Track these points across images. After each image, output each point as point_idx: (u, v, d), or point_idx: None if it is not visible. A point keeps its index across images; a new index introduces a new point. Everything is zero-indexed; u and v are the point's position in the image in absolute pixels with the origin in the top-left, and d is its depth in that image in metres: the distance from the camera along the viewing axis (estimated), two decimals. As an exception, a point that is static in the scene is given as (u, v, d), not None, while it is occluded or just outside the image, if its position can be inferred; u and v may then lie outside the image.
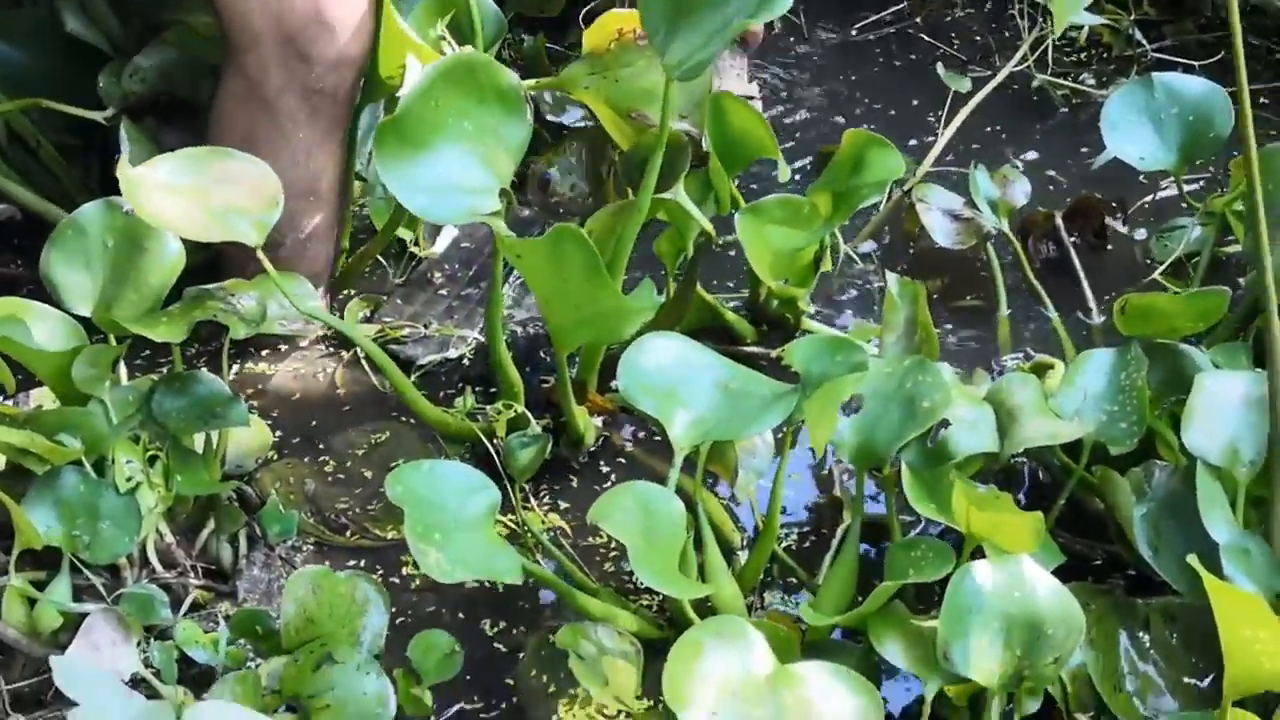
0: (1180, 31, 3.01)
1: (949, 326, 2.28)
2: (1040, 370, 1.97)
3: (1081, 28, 2.94)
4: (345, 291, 2.30)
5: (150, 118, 2.25)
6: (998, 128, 2.77)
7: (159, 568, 1.78)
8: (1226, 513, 1.66)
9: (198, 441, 1.86)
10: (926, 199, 2.42)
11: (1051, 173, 2.66)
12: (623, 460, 2.05)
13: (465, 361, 2.20)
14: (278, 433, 2.06)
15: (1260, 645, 1.43)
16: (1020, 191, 2.41)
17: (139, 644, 1.66)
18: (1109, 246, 2.45)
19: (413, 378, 2.13)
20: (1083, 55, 3.00)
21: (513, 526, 1.91)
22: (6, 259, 2.34)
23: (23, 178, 2.31)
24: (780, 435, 1.92)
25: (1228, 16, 1.62)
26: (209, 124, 2.11)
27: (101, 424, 1.74)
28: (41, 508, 1.69)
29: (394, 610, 1.73)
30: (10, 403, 1.91)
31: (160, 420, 1.79)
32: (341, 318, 2.23)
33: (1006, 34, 3.07)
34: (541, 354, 2.18)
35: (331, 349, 2.21)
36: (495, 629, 1.81)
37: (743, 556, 1.87)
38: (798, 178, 2.59)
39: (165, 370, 2.07)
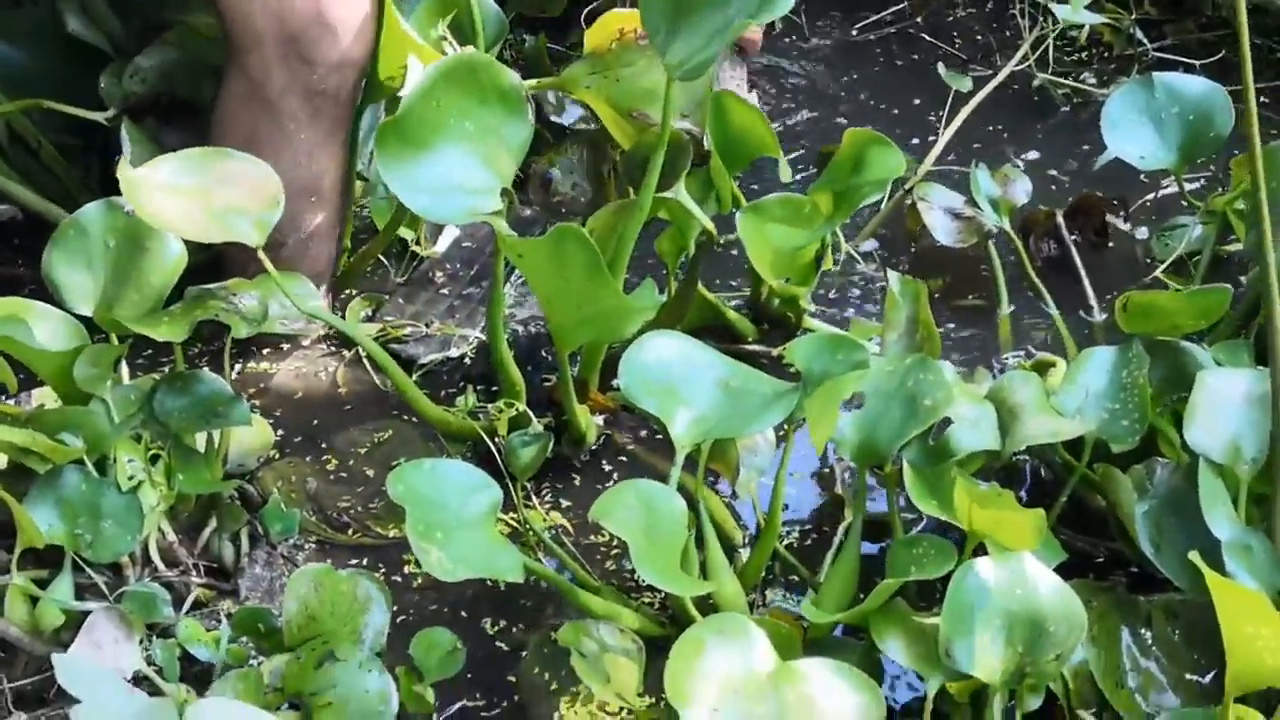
0: (1181, 31, 3.01)
1: (951, 325, 2.28)
2: (1042, 368, 1.97)
3: (1082, 27, 2.94)
4: (347, 291, 2.30)
5: (151, 118, 2.25)
6: (999, 127, 2.77)
7: (161, 566, 1.78)
8: (1228, 510, 1.66)
9: (200, 440, 1.86)
10: (928, 198, 2.42)
11: (1052, 171, 2.66)
12: (624, 459, 2.05)
13: (467, 360, 2.20)
14: (279, 431, 2.06)
15: (1262, 642, 1.43)
16: (1021, 190, 2.41)
17: (141, 642, 1.66)
18: (1110, 245, 2.45)
19: (414, 377, 2.13)
20: (1083, 54, 3.01)
21: (514, 525, 1.91)
22: (8, 259, 2.34)
23: (24, 178, 2.31)
24: (782, 433, 1.92)
25: (1233, 16, 1.63)
26: (211, 125, 2.11)
27: (103, 423, 1.74)
28: (43, 506, 1.69)
29: (396, 609, 1.73)
30: (12, 402, 1.91)
31: (162, 419, 1.79)
32: (343, 317, 2.24)
33: (1007, 33, 3.07)
34: (543, 353, 2.19)
35: (333, 348, 2.21)
36: (497, 627, 1.81)
37: (744, 554, 1.87)
38: (799, 178, 2.59)
39: (167, 369, 2.07)
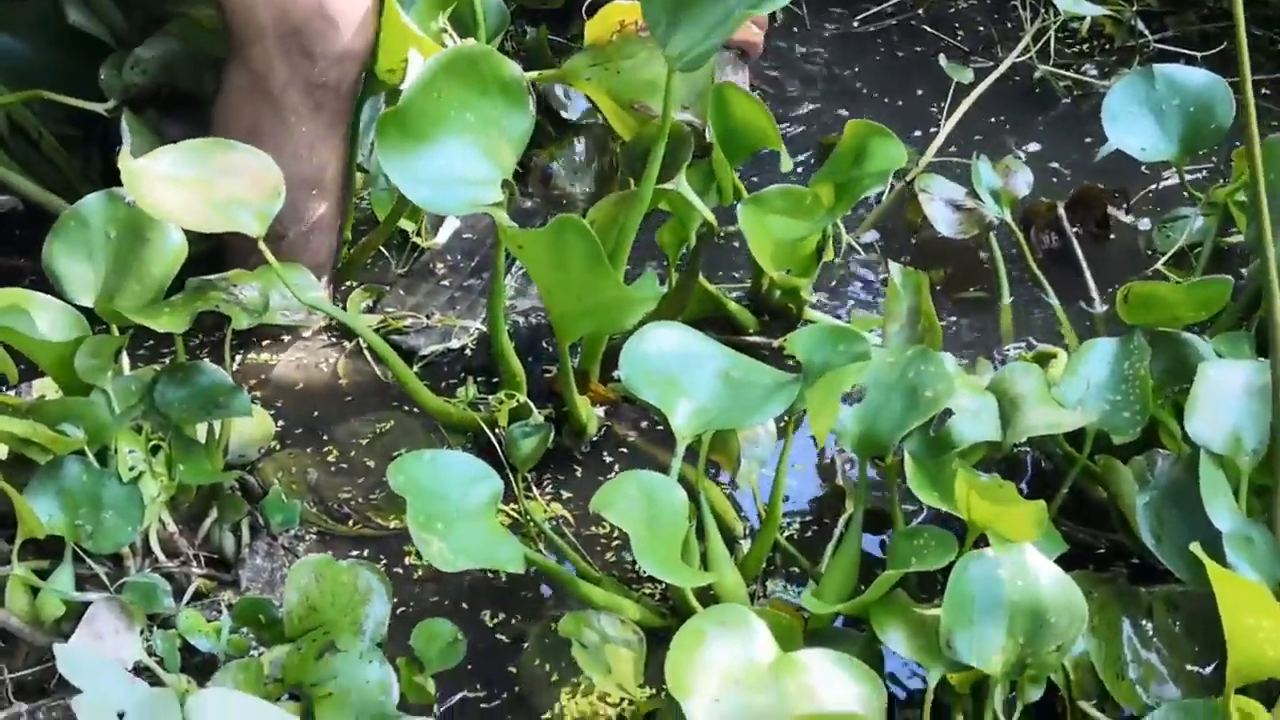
0: (1182, 23, 3.01)
1: (952, 317, 2.27)
2: (1043, 360, 1.97)
3: (1083, 19, 2.94)
4: (348, 282, 2.30)
5: (152, 109, 2.24)
6: (1000, 118, 2.77)
7: (162, 557, 1.78)
8: (1229, 501, 1.66)
9: (200, 431, 1.86)
10: (929, 189, 2.42)
11: (1054, 163, 2.66)
12: (625, 450, 2.05)
13: (467, 352, 2.20)
14: (280, 422, 2.06)
15: (1263, 633, 1.43)
16: (1022, 181, 2.41)
17: (142, 633, 1.66)
18: (1111, 236, 2.45)
19: (415, 368, 2.13)
20: (1085, 46, 3.00)
21: (515, 516, 1.91)
22: (9, 250, 2.34)
23: (25, 169, 2.31)
24: (782, 424, 1.92)
25: (1231, 7, 1.62)
26: (213, 117, 2.11)
27: (104, 414, 1.74)
28: (44, 497, 1.69)
29: (396, 600, 1.73)
30: (13, 393, 1.91)
31: (163, 410, 1.79)
32: (344, 308, 2.24)
33: (1009, 25, 3.07)
34: (544, 344, 2.19)
35: (334, 339, 2.21)
36: (497, 618, 1.81)
37: (745, 545, 1.87)
38: (800, 170, 2.59)
39: (168, 360, 2.07)
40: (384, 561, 1.87)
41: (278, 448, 2.03)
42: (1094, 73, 2.90)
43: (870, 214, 2.48)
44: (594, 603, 1.68)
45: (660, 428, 2.04)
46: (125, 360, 1.91)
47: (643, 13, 1.86)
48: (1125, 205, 2.49)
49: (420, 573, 1.87)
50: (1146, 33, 2.93)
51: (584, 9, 2.44)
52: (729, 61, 2.49)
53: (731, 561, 1.74)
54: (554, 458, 2.00)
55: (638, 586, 1.82)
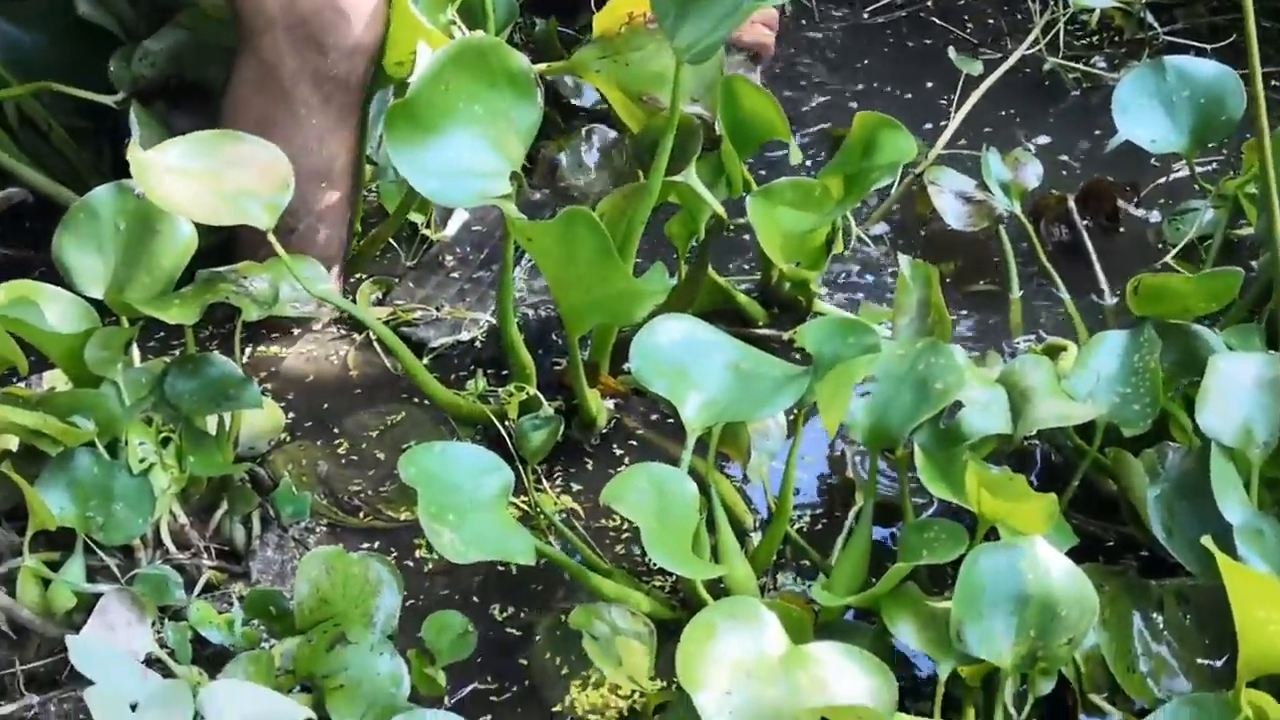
0: (1192, 15, 3.00)
1: (963, 311, 2.27)
2: (1053, 352, 1.97)
3: (1093, 11, 2.94)
4: (357, 275, 2.30)
5: (160, 101, 2.25)
6: (1010, 111, 2.77)
7: (172, 549, 1.78)
8: (1240, 494, 1.66)
9: (210, 423, 1.86)
10: (938, 181, 2.42)
11: (1064, 156, 2.65)
12: (635, 442, 2.05)
13: (477, 344, 2.20)
14: (290, 415, 2.06)
15: (1274, 626, 1.44)
16: (1032, 174, 2.41)
17: (153, 624, 1.66)
18: (1121, 229, 2.44)
19: (425, 360, 2.13)
20: (1094, 38, 3.00)
21: (525, 508, 1.91)
22: (18, 242, 2.34)
23: (34, 161, 2.31)
24: (792, 417, 1.92)
25: (1241, -1, 1.62)
26: (222, 110, 2.11)
27: (114, 406, 1.74)
28: (55, 489, 1.69)
29: (407, 592, 1.73)
30: (23, 385, 1.91)
31: (173, 402, 1.79)
32: (353, 301, 2.24)
33: (1018, 17, 3.06)
34: (553, 336, 2.18)
35: (344, 332, 2.21)
36: (508, 611, 1.81)
37: (755, 538, 1.87)
38: (809, 163, 2.59)
39: (178, 352, 2.07)
40: (394, 554, 1.87)
41: (288, 440, 2.03)
42: (1103, 65, 2.90)
43: (879, 206, 2.47)
44: (604, 595, 1.68)
45: (670, 420, 2.04)
46: (135, 352, 1.91)
47: (651, 4, 1.85)
48: (1135, 198, 2.49)
49: (431, 565, 1.87)
50: (1156, 25, 2.93)
51: (592, 1, 2.44)
52: (740, 65, 2.49)
53: (742, 554, 1.74)
54: (564, 450, 2.00)
55: (648, 579, 1.83)
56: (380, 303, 2.26)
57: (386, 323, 2.14)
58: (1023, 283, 2.32)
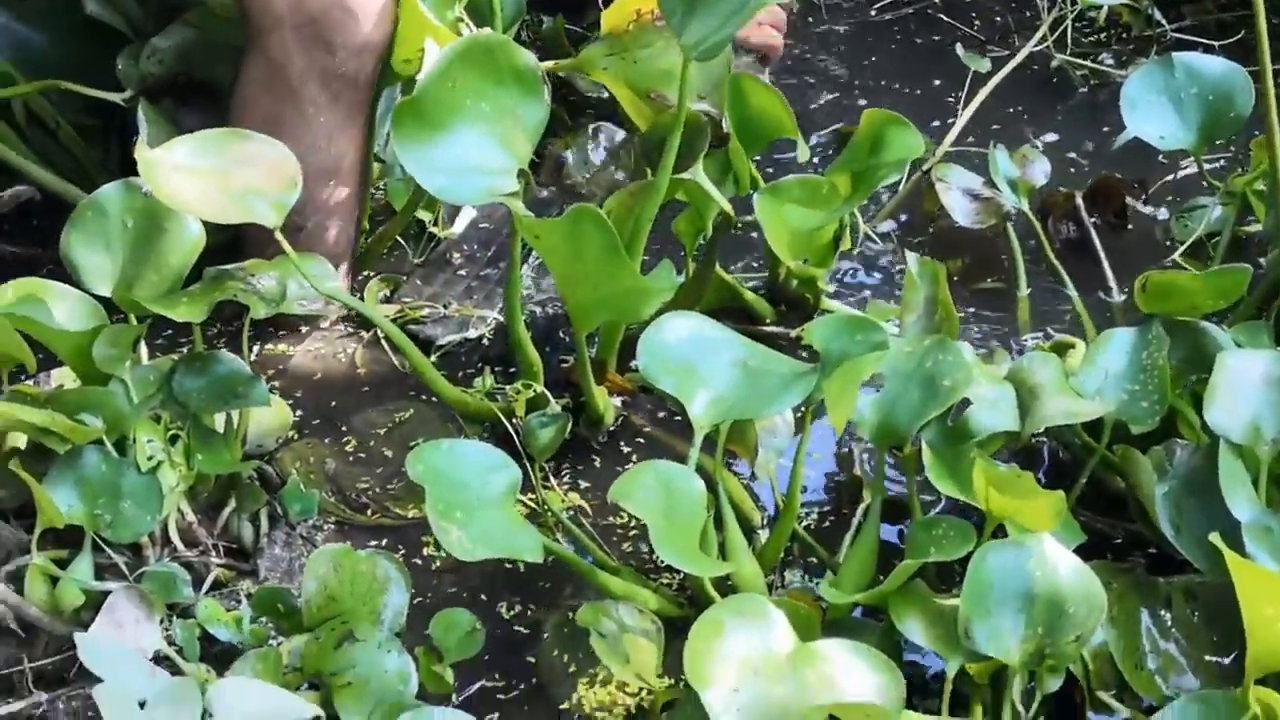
0: (1199, 11, 3.00)
1: (970, 309, 2.27)
2: (1061, 349, 1.96)
3: (1101, 8, 2.93)
4: (364, 272, 2.31)
5: (168, 99, 2.25)
6: (1017, 108, 2.76)
7: (180, 546, 1.78)
8: (1249, 491, 1.65)
9: (219, 421, 1.86)
10: (946, 178, 2.42)
11: (1072, 154, 2.65)
12: (642, 440, 2.05)
13: (484, 341, 2.20)
14: (298, 412, 2.06)
15: (1283, 623, 1.44)
16: (1040, 171, 2.41)
17: (161, 622, 1.66)
18: (1129, 226, 2.44)
19: (432, 358, 2.13)
20: (1102, 35, 2.99)
21: (532, 506, 1.91)
22: (26, 239, 2.35)
23: (42, 159, 2.31)
24: (800, 414, 1.92)
25: (1251, -5, 1.62)
26: (230, 108, 2.11)
27: (123, 403, 1.74)
28: (63, 487, 1.69)
29: (414, 590, 1.73)
30: (31, 382, 1.91)
31: (181, 400, 1.79)
32: (361, 298, 2.24)
33: (1026, 14, 3.06)
34: (560, 334, 2.18)
35: (352, 329, 2.21)
36: (515, 609, 1.81)
37: (763, 535, 1.87)
38: (816, 160, 2.59)
39: (186, 350, 2.08)
40: (402, 551, 1.87)
41: (296, 437, 2.03)
42: (1111, 62, 2.89)
43: (887, 204, 2.47)
44: (612, 592, 1.68)
45: (678, 418, 2.04)
46: (143, 350, 1.92)
47: (658, 2, 1.85)
48: (1143, 195, 2.48)
49: (438, 563, 1.87)
50: (1164, 22, 2.93)
51: (600, -2, 2.44)
52: (749, 66, 2.49)
53: (749, 551, 1.74)
54: (571, 448, 2.00)
55: (655, 576, 1.82)
56: (388, 300, 2.26)
57: (394, 320, 2.15)
58: (1030, 280, 2.31)
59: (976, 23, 3.06)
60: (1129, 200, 2.45)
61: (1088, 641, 1.53)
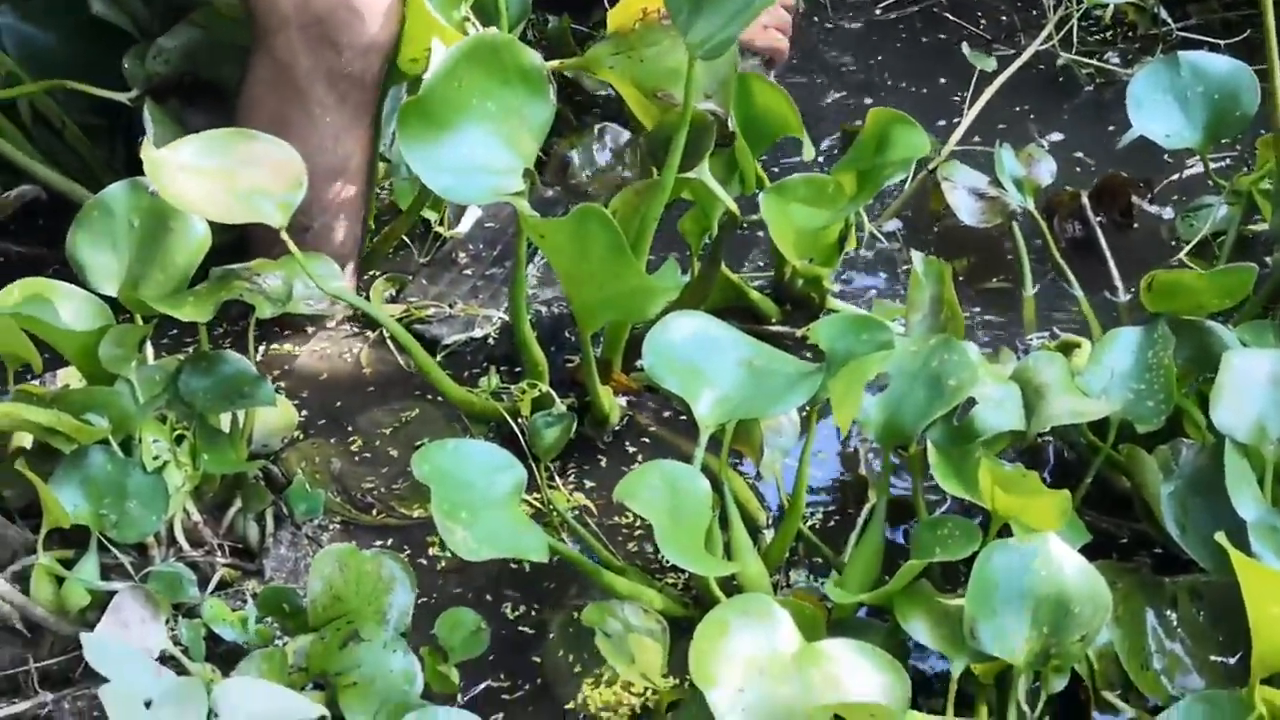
0: (1205, 10, 3.00)
1: (976, 309, 2.27)
2: (1067, 349, 1.96)
3: (1106, 6, 2.93)
4: (370, 272, 2.31)
5: (174, 99, 2.25)
6: (1023, 107, 2.76)
7: (186, 546, 1.78)
8: (1254, 490, 1.65)
9: (224, 421, 1.86)
10: (952, 177, 2.42)
11: (1077, 153, 2.65)
12: (648, 439, 2.05)
13: (490, 341, 2.20)
14: (304, 412, 2.06)
15: (1288, 623, 1.43)
16: (1045, 170, 2.41)
17: (167, 622, 1.66)
18: (1135, 225, 2.44)
19: (438, 357, 2.13)
20: (1108, 34, 3.00)
21: (538, 506, 1.91)
22: (32, 239, 2.35)
23: (48, 158, 2.32)
24: (805, 414, 1.91)
25: (1259, -6, 1.62)
26: (237, 108, 2.11)
27: (128, 403, 1.74)
28: (69, 486, 1.69)
29: (419, 590, 1.73)
30: (37, 382, 1.91)
31: (187, 399, 1.80)
32: (367, 298, 2.24)
33: (1032, 12, 3.06)
34: (566, 333, 2.18)
35: (357, 329, 2.21)
36: (521, 609, 1.81)
37: (768, 535, 1.87)
38: (821, 159, 2.59)
39: (191, 350, 2.08)
40: (407, 551, 1.87)
41: (301, 437, 2.03)
42: (1117, 61, 2.89)
43: (893, 203, 2.47)
44: (617, 592, 1.68)
45: (683, 417, 2.04)
46: (149, 350, 1.92)
47: (664, 1, 1.85)
48: (1149, 194, 2.48)
49: (444, 563, 1.87)
50: (1169, 20, 2.93)
51: (606, -3, 2.44)
52: (755, 69, 2.49)
53: (755, 551, 1.74)
54: (576, 447, 2.00)
55: (661, 576, 1.82)
56: (393, 300, 2.26)
57: (400, 320, 2.15)
58: (1036, 279, 2.31)
59: (982, 21, 3.06)
60: (1135, 199, 2.45)
61: (1093, 641, 1.53)
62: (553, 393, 1.99)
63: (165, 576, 1.70)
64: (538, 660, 1.74)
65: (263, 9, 2.03)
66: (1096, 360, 1.83)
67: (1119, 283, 2.30)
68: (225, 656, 1.67)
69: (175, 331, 2.16)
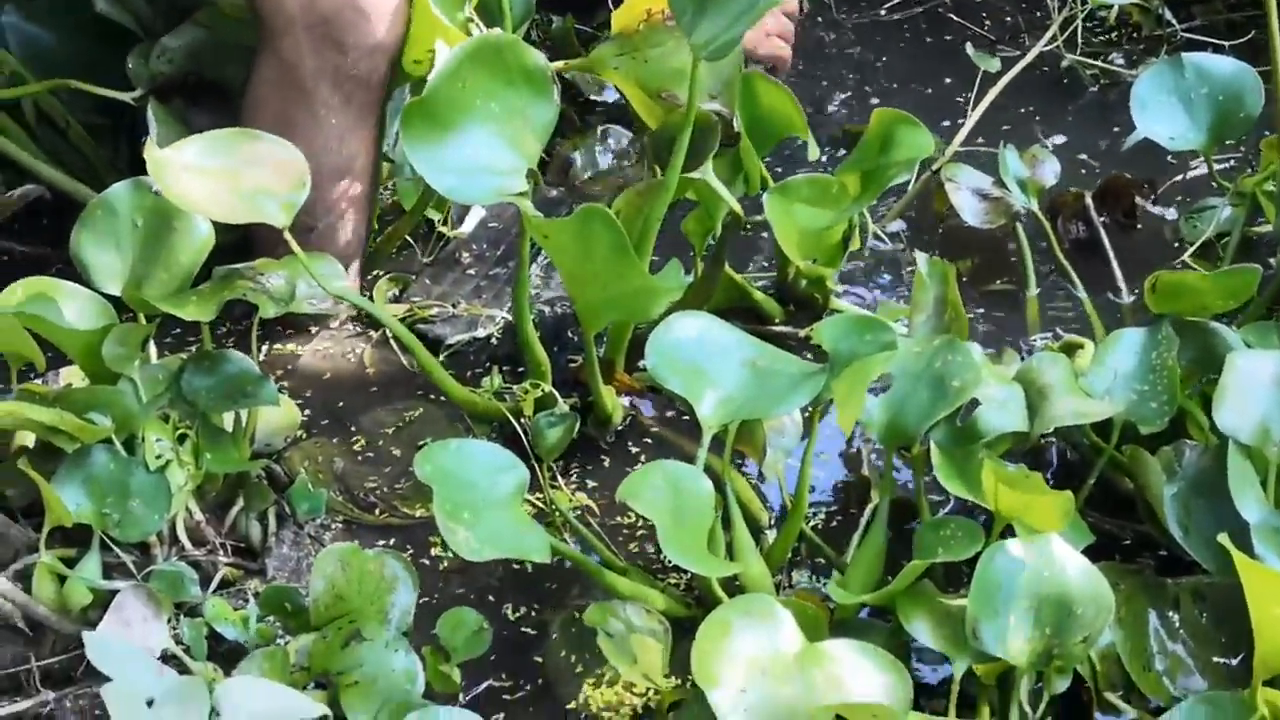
0: (1210, 11, 2.99)
1: (980, 309, 2.27)
2: (1070, 349, 1.96)
3: (1111, 7, 2.93)
4: (374, 272, 2.31)
5: (178, 99, 2.25)
6: (1028, 108, 2.76)
7: (188, 545, 1.78)
8: (1257, 492, 1.65)
9: (227, 420, 1.86)
10: (956, 178, 2.42)
11: (1081, 154, 2.65)
12: (650, 440, 2.05)
13: (493, 341, 2.20)
14: (307, 412, 2.06)
15: (1291, 624, 1.43)
16: (1050, 171, 2.41)
17: (169, 621, 1.66)
18: (1139, 226, 2.44)
19: (441, 357, 2.13)
20: (1112, 35, 2.99)
21: (540, 506, 1.91)
22: (36, 239, 2.35)
23: (52, 158, 2.32)
24: (808, 414, 1.91)
25: (1261, -5, 1.62)
26: (242, 109, 2.11)
27: (131, 402, 1.74)
28: (71, 485, 1.69)
29: (421, 590, 1.73)
30: (40, 381, 1.92)
31: (190, 399, 1.80)
32: (370, 298, 2.24)
33: (1036, 13, 3.06)
34: (569, 333, 2.18)
35: (360, 329, 2.21)
36: (522, 609, 1.81)
37: (770, 535, 1.87)
38: (824, 159, 2.59)
39: (195, 349, 2.08)
40: (410, 551, 1.87)
41: (304, 437, 2.03)
42: (1121, 62, 2.89)
43: (897, 203, 2.47)
44: (619, 592, 1.68)
45: (686, 418, 2.04)
46: (152, 349, 1.92)
47: (669, 1, 1.85)
48: (1153, 195, 2.48)
49: (446, 563, 1.87)
50: (1174, 21, 2.92)
51: (610, -2, 2.44)
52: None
53: (757, 552, 1.74)
54: (579, 447, 2.00)
55: (663, 576, 1.82)
56: (397, 300, 2.26)
57: (403, 320, 2.15)
58: (1040, 280, 2.31)
59: (987, 22, 3.06)
60: (1139, 200, 2.45)
61: (1095, 642, 1.53)
62: (555, 393, 1.99)
63: (167, 575, 1.70)
64: (539, 660, 1.74)
65: (269, 9, 2.03)
66: (1100, 361, 1.82)
67: (1122, 284, 2.30)
68: (227, 655, 1.67)
69: (178, 331, 2.16)
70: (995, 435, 1.72)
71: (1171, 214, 2.46)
